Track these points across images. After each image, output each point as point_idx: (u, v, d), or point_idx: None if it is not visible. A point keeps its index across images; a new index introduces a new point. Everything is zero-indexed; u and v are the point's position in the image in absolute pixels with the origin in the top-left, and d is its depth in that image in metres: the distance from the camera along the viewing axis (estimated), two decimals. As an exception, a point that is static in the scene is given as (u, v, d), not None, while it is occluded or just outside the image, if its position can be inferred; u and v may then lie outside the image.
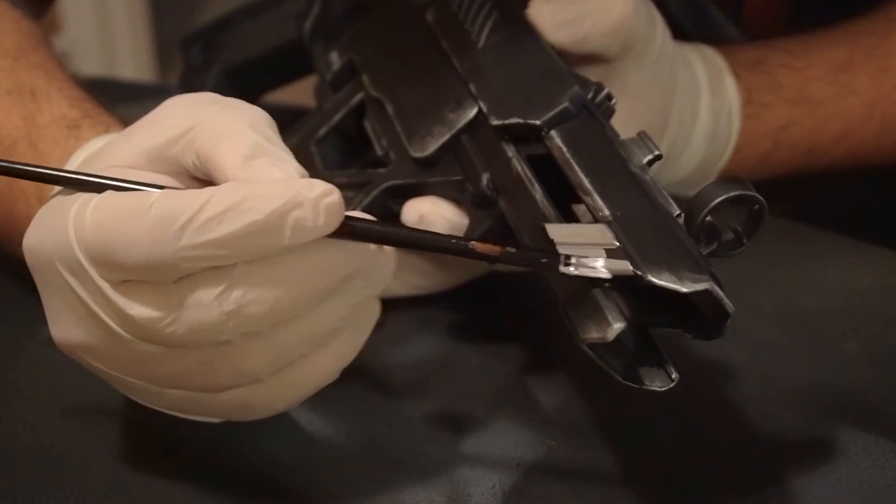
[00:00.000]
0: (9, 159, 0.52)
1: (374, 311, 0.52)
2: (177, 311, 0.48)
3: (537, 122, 0.58)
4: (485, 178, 0.60)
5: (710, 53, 0.76)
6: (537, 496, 0.56)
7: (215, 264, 0.48)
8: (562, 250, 0.50)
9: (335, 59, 0.73)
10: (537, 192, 0.56)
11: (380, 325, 0.53)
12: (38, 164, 0.52)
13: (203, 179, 0.51)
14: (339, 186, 0.65)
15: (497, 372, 0.64)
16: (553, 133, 0.58)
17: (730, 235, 0.53)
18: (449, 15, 0.67)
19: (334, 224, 0.48)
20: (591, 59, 0.68)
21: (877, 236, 0.76)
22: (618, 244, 0.51)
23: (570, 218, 0.57)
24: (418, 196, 0.64)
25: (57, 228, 0.50)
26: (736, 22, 0.86)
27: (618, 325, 0.49)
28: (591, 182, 0.55)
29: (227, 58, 0.85)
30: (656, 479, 0.57)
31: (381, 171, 0.66)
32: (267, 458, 0.58)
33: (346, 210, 0.49)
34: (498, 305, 0.69)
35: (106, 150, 0.54)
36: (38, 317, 0.53)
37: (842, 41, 0.79)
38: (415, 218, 0.63)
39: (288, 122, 0.71)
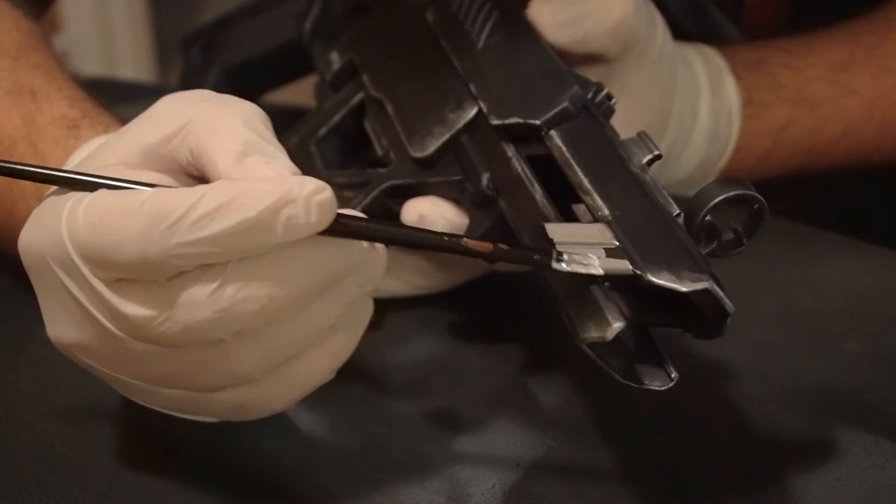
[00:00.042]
0: (5, 159, 0.52)
1: (368, 310, 0.53)
2: (170, 309, 0.48)
3: (537, 122, 0.58)
4: (485, 178, 0.60)
5: (710, 53, 0.76)
6: (537, 496, 0.56)
7: (208, 262, 0.48)
8: (561, 249, 0.50)
9: (335, 59, 0.72)
10: (537, 191, 0.56)
11: (378, 326, 0.53)
12: (38, 164, 0.52)
13: (198, 177, 0.51)
14: (339, 186, 0.66)
15: (497, 372, 0.64)
16: (553, 133, 0.58)
17: (730, 235, 0.53)
18: (449, 15, 0.67)
19: (326, 221, 0.48)
20: (592, 59, 0.68)
21: (877, 236, 0.76)
22: (617, 244, 0.51)
23: (570, 218, 0.57)
24: (418, 196, 0.64)
25: (51, 227, 0.50)
26: (736, 22, 0.86)
27: (617, 325, 0.49)
28: (591, 182, 0.55)
29: (227, 58, 0.85)
30: (656, 479, 0.57)
31: (381, 171, 0.66)
32: (267, 458, 0.58)
33: (342, 208, 0.49)
34: (498, 305, 0.69)
35: (102, 149, 0.54)
36: (38, 317, 0.53)
37: (842, 41, 0.79)
38: (415, 218, 0.63)
39: (288, 122, 0.71)
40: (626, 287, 0.50)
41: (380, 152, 0.67)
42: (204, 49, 0.87)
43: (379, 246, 0.51)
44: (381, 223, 0.51)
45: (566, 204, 0.58)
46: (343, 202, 0.50)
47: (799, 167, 0.80)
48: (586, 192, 0.54)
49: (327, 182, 0.48)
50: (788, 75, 0.78)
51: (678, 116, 0.73)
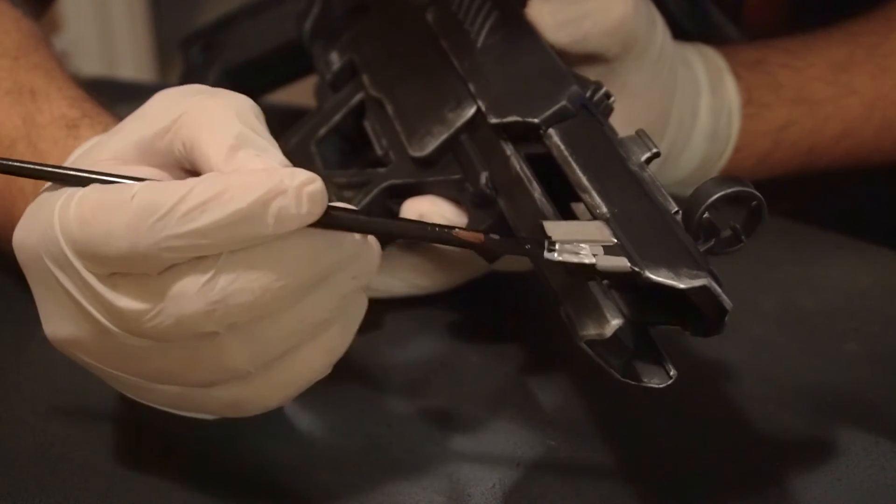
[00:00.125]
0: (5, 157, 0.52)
1: (362, 305, 0.52)
2: (162, 301, 0.48)
3: (536, 121, 0.58)
4: (484, 177, 0.60)
5: (710, 53, 0.76)
6: (537, 496, 0.56)
7: (199, 254, 0.48)
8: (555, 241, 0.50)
9: (335, 60, 0.73)
10: (536, 190, 0.56)
11: (378, 326, 0.53)
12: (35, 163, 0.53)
13: (192, 170, 0.51)
14: (339, 186, 0.66)
15: (497, 372, 0.64)
16: (551, 131, 0.58)
17: (728, 233, 0.53)
18: (449, 15, 0.67)
19: (317, 212, 0.48)
20: (591, 58, 0.68)
21: (877, 236, 0.76)
22: (615, 241, 0.51)
23: (570, 217, 0.57)
24: (417, 195, 0.64)
25: (43, 223, 0.50)
26: (736, 22, 0.86)
27: (615, 322, 0.49)
28: (590, 180, 0.55)
29: (227, 58, 0.85)
30: (656, 479, 0.57)
31: (381, 170, 0.66)
32: (267, 458, 0.58)
33: (334, 202, 0.49)
34: (498, 305, 0.69)
35: (96, 145, 0.54)
36: (37, 316, 0.53)
37: (842, 41, 0.79)
38: (414, 217, 0.63)
39: (288, 122, 0.71)
40: (624, 285, 0.50)
41: (379, 152, 0.67)
42: (204, 49, 0.87)
43: (372, 239, 0.51)
44: (368, 214, 0.51)
45: (565, 203, 0.58)
46: (343, 202, 0.50)
47: (799, 167, 0.80)
48: (585, 191, 0.54)
49: (326, 181, 0.48)
50: (788, 75, 0.78)
51: (678, 116, 0.73)
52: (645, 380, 0.50)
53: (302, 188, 0.47)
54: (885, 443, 0.59)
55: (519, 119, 0.59)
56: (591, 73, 0.66)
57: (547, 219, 0.54)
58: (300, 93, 0.85)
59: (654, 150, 0.56)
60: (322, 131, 0.71)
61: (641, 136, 0.57)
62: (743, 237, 0.53)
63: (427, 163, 0.63)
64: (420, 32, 0.68)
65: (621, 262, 0.49)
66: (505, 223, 0.59)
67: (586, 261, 0.49)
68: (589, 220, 0.53)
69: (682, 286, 0.49)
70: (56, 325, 0.52)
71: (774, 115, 0.77)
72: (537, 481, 0.57)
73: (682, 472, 0.58)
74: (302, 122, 0.72)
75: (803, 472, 0.57)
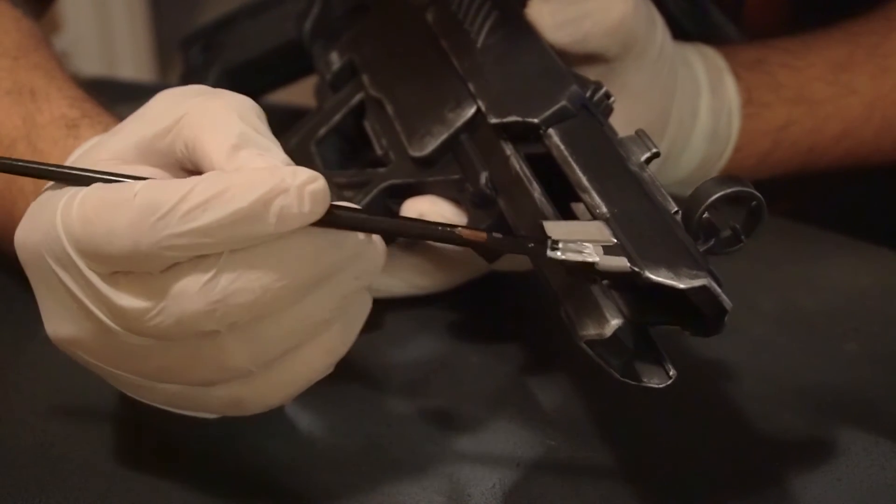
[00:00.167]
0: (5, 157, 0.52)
1: (365, 305, 0.52)
2: (164, 300, 0.48)
3: (535, 121, 0.58)
4: (483, 176, 0.60)
5: (710, 53, 0.76)
6: (537, 496, 0.56)
7: (201, 253, 0.48)
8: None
9: (335, 60, 0.73)
10: (536, 190, 0.56)
11: (378, 326, 0.53)
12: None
13: (194, 171, 0.51)
14: (339, 186, 0.66)
15: (497, 372, 0.64)
16: (551, 131, 0.58)
17: (728, 232, 0.53)
18: (448, 15, 0.67)
19: (320, 211, 0.48)
20: (591, 58, 0.68)
21: (877, 236, 0.76)
22: (615, 241, 0.51)
23: (570, 217, 0.57)
24: (417, 195, 0.64)
25: (46, 222, 0.50)
26: (736, 22, 0.86)
27: (615, 322, 0.49)
28: (589, 180, 0.55)
29: (227, 58, 0.85)
30: (656, 479, 0.57)
31: (381, 170, 0.66)
32: (267, 458, 0.58)
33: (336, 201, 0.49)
34: (498, 305, 0.69)
35: (97, 145, 0.54)
36: (38, 316, 0.53)
37: (842, 41, 0.79)
38: (413, 217, 0.63)
39: (288, 122, 0.71)
40: (624, 285, 0.50)
41: (379, 152, 0.67)
42: (204, 49, 0.87)
43: (376, 239, 0.51)
44: (375, 214, 0.51)
45: (565, 202, 0.58)
46: (343, 202, 0.50)
47: (799, 167, 0.80)
48: (585, 191, 0.54)
49: (326, 181, 0.48)
50: (788, 75, 0.78)
51: (678, 116, 0.73)
52: (644, 380, 0.50)
53: (304, 187, 0.47)
54: (885, 443, 0.59)
55: (519, 119, 0.59)
56: (590, 73, 0.66)
57: (547, 219, 0.54)
58: (300, 93, 0.85)
59: (654, 150, 0.56)
60: (322, 131, 0.71)
61: (641, 136, 0.57)
62: (743, 237, 0.53)
63: (427, 163, 0.63)
64: (420, 32, 0.68)
65: (621, 262, 0.49)
66: (505, 223, 0.59)
67: (589, 259, 0.49)
68: (589, 220, 0.53)
69: (681, 286, 0.49)
70: (57, 324, 0.52)
71: (774, 115, 0.77)
72: (537, 481, 0.57)
73: (682, 472, 0.58)
74: (302, 122, 0.72)
75: (803, 472, 0.57)
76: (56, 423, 0.60)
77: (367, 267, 0.51)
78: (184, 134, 0.51)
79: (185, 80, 0.87)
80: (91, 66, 1.91)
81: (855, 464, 0.58)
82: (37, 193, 0.60)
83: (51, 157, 0.61)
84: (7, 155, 0.62)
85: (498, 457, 0.58)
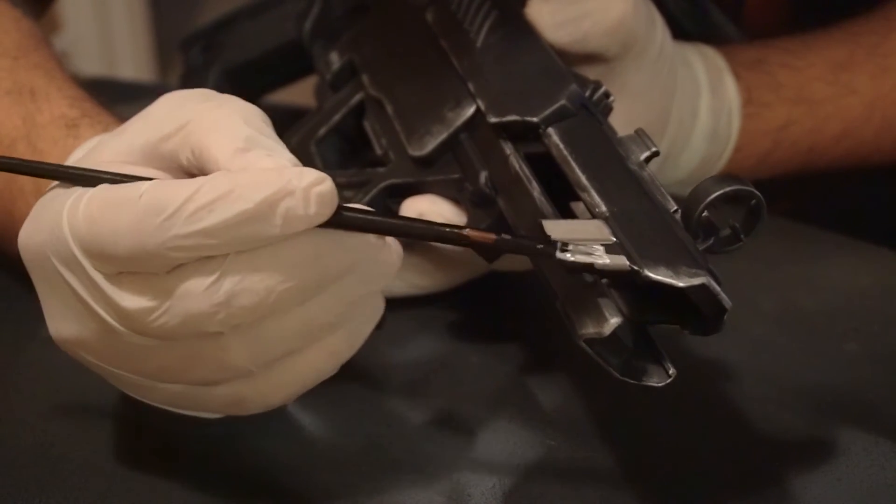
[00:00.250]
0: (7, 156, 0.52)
1: (376, 309, 0.52)
2: (168, 301, 0.48)
3: (535, 120, 0.58)
4: (483, 176, 0.60)
5: (710, 53, 0.76)
6: (537, 496, 0.56)
7: (206, 254, 0.48)
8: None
9: (335, 60, 0.73)
10: (535, 189, 0.56)
11: (378, 326, 0.53)
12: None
13: (198, 176, 0.51)
14: (339, 186, 0.65)
15: (497, 372, 0.64)
16: (551, 130, 0.58)
17: (727, 231, 0.53)
18: (448, 15, 0.67)
19: (326, 213, 0.48)
20: (591, 58, 0.68)
21: (877, 236, 0.76)
22: (615, 240, 0.51)
23: (569, 216, 0.57)
24: (417, 195, 0.64)
25: (51, 222, 0.50)
26: (736, 22, 0.86)
27: (614, 320, 0.49)
28: (589, 179, 0.55)
29: (227, 58, 0.85)
30: (656, 479, 0.57)
31: (381, 170, 0.66)
32: (267, 458, 0.58)
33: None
34: (498, 305, 0.69)
35: (99, 146, 0.54)
36: (38, 316, 0.53)
37: (842, 41, 0.79)
38: (413, 216, 0.63)
39: (288, 122, 0.71)
40: (623, 283, 0.50)
41: (379, 152, 0.67)
42: (204, 50, 0.87)
43: (391, 242, 0.51)
44: (382, 215, 0.51)
45: (565, 202, 0.58)
46: (343, 202, 0.50)
47: (799, 167, 0.80)
48: (584, 189, 0.54)
49: None
50: (788, 75, 0.78)
51: (678, 116, 0.73)
52: (644, 379, 0.50)
53: (310, 189, 0.47)
54: (885, 443, 0.59)
55: (518, 118, 0.59)
56: (590, 72, 0.66)
57: (546, 218, 0.54)
58: (300, 93, 0.85)
59: (654, 149, 0.56)
60: (322, 131, 0.71)
61: (640, 136, 0.57)
62: (742, 236, 0.53)
63: (426, 162, 0.63)
64: (420, 32, 0.68)
65: (620, 261, 0.49)
66: (504, 222, 0.59)
67: (599, 261, 0.49)
68: (588, 219, 0.53)
69: (680, 284, 0.49)
70: (61, 324, 0.52)
71: (774, 115, 0.77)
72: (537, 481, 0.57)
73: (682, 472, 0.58)
74: (302, 122, 0.72)
75: (803, 472, 0.57)
76: (56, 423, 0.60)
77: (379, 271, 0.51)
78: (190, 140, 0.51)
79: (185, 80, 0.87)
80: (91, 66, 1.91)
81: (855, 464, 0.58)
82: (36, 193, 0.61)
83: (51, 156, 0.61)
84: (7, 155, 0.62)
85: (498, 457, 0.58)
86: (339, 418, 0.60)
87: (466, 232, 0.50)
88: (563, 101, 0.58)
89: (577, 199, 0.55)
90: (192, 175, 0.52)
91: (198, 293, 0.48)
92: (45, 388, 0.62)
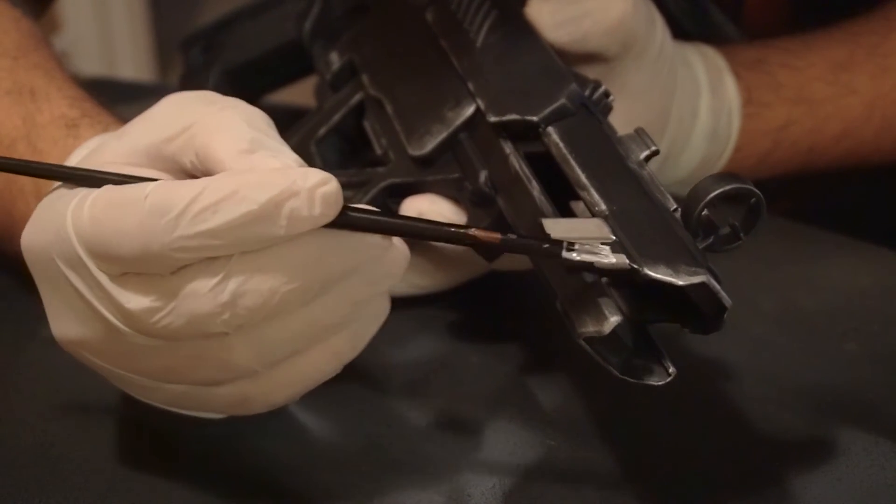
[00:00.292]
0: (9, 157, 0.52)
1: (381, 310, 0.52)
2: (173, 302, 0.48)
3: (534, 119, 0.58)
4: (483, 175, 0.60)
5: (710, 53, 0.77)
6: (537, 496, 0.56)
7: (211, 255, 0.48)
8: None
9: (335, 60, 0.73)
10: (535, 188, 0.56)
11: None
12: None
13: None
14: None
15: (497, 372, 0.64)
16: (550, 130, 0.58)
17: (727, 230, 0.53)
18: (448, 14, 0.67)
19: (331, 214, 0.48)
20: (591, 58, 0.68)
21: (877, 236, 0.76)
22: (614, 238, 0.51)
23: (569, 215, 0.57)
24: (417, 194, 0.64)
25: (55, 223, 0.50)
26: (736, 22, 0.86)
27: (614, 319, 0.49)
28: (588, 177, 0.55)
29: (227, 58, 0.85)
30: (656, 479, 0.57)
31: (380, 169, 0.66)
32: (267, 458, 0.58)
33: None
34: (498, 305, 0.69)
35: (102, 147, 0.54)
36: (38, 316, 0.53)
37: (842, 41, 0.79)
38: (413, 215, 0.63)
39: (288, 122, 0.71)
40: (623, 282, 0.50)
41: (379, 152, 0.67)
42: (204, 50, 0.87)
43: (398, 243, 0.51)
44: (387, 215, 0.51)
45: (564, 201, 0.58)
46: (344, 202, 0.50)
47: (799, 167, 0.80)
48: (583, 188, 0.54)
49: None
50: (788, 75, 0.78)
51: (678, 116, 0.73)
52: (644, 377, 0.50)
53: (315, 189, 0.47)
54: (885, 443, 0.59)
55: (518, 117, 0.59)
56: (590, 72, 0.66)
57: (546, 217, 0.54)
58: (300, 93, 0.85)
59: (653, 148, 0.56)
60: (322, 131, 0.71)
61: (640, 135, 0.57)
62: (742, 234, 0.53)
63: (426, 162, 0.63)
64: (420, 32, 0.68)
65: (620, 260, 0.49)
66: (504, 221, 0.59)
67: (605, 260, 0.49)
68: (588, 217, 0.53)
69: (680, 283, 0.49)
70: (64, 325, 0.52)
71: (774, 115, 0.77)
72: (537, 481, 0.57)
73: (682, 472, 0.58)
74: (302, 122, 0.72)
75: (803, 472, 0.57)
76: (56, 423, 0.60)
77: (385, 271, 0.51)
78: (195, 143, 0.50)
79: (186, 80, 0.87)
80: (91, 66, 1.91)
81: (855, 464, 0.58)
82: (36, 193, 0.61)
83: (51, 156, 0.61)
84: (6, 155, 0.62)
85: (498, 457, 0.58)
86: (340, 418, 0.60)
87: (472, 231, 0.50)
88: (562, 101, 0.58)
89: (577, 198, 0.55)
90: (194, 177, 0.52)
91: (202, 294, 0.48)
92: (45, 388, 0.62)
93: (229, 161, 0.49)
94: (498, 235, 0.50)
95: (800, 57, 0.78)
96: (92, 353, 0.53)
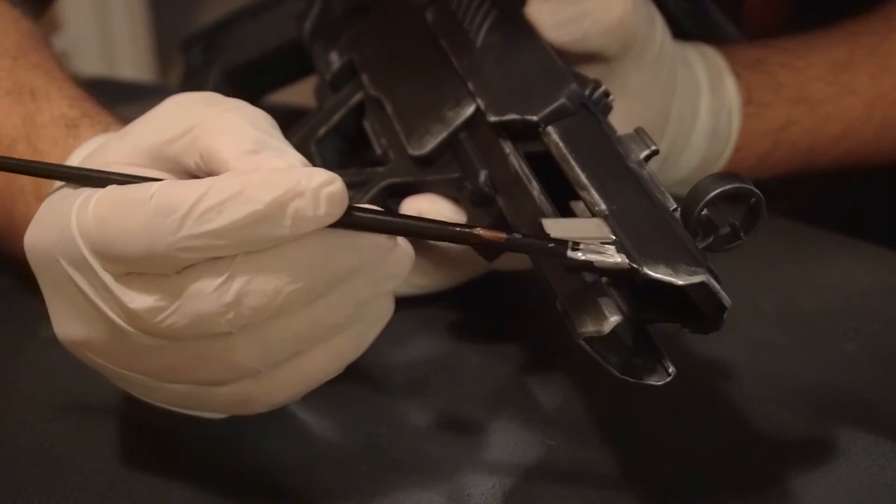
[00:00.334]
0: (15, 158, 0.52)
1: (384, 311, 0.52)
2: (178, 302, 0.48)
3: (534, 119, 0.58)
4: (483, 175, 0.60)
5: (710, 53, 0.77)
6: (537, 496, 0.56)
7: (216, 255, 0.48)
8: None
9: (335, 60, 0.73)
10: (535, 188, 0.56)
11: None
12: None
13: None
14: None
15: (497, 372, 0.64)
16: (550, 129, 0.58)
17: (727, 229, 0.53)
18: (448, 14, 0.67)
19: (336, 214, 0.48)
20: (591, 58, 0.68)
21: (877, 236, 0.76)
22: (614, 238, 0.51)
23: (569, 215, 0.57)
24: (416, 194, 0.64)
25: (59, 223, 0.50)
26: (736, 22, 0.86)
27: (614, 318, 0.49)
28: (588, 177, 0.55)
29: (227, 59, 0.85)
30: (656, 479, 0.57)
31: (380, 169, 0.66)
32: (267, 458, 0.58)
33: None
34: (498, 305, 0.69)
35: (104, 148, 0.54)
36: (38, 317, 0.53)
37: (842, 41, 0.79)
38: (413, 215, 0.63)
39: (288, 122, 0.70)
40: (623, 282, 0.50)
41: (378, 151, 0.67)
42: (204, 50, 0.87)
43: (402, 244, 0.51)
44: (392, 215, 0.51)
45: (564, 201, 0.58)
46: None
47: (799, 166, 0.80)
48: (583, 188, 0.54)
49: None
50: (788, 75, 0.78)
51: (678, 116, 0.73)
52: (644, 377, 0.50)
53: (320, 189, 0.47)
54: (885, 443, 0.59)
55: (517, 117, 0.59)
56: (590, 72, 0.66)
57: (545, 216, 0.54)
58: (300, 93, 0.85)
59: (653, 148, 0.56)
60: (322, 131, 0.71)
61: (640, 134, 0.57)
62: (742, 234, 0.53)
63: (426, 161, 0.63)
64: (420, 32, 0.68)
65: (620, 259, 0.49)
66: (504, 221, 0.59)
67: (610, 260, 0.49)
68: (588, 217, 0.53)
69: (680, 282, 0.49)
70: (67, 325, 0.52)
71: (774, 115, 0.77)
72: (537, 481, 0.57)
73: (682, 472, 0.58)
74: (302, 122, 0.72)
75: (803, 472, 0.57)
76: (56, 423, 0.60)
77: (389, 272, 0.51)
78: (198, 144, 0.50)
79: (186, 80, 0.87)
80: (91, 66, 1.91)
81: (855, 464, 0.58)
82: (36, 193, 0.61)
83: (51, 156, 0.61)
84: (6, 155, 0.62)
85: (498, 457, 0.58)
86: (340, 418, 0.60)
87: (478, 231, 0.50)
88: (562, 100, 0.58)
89: (577, 197, 0.55)
90: (198, 178, 0.52)
91: (207, 294, 0.48)
92: (45, 388, 0.62)
93: (234, 162, 0.49)
94: (503, 235, 0.50)
95: (800, 57, 0.78)
96: (95, 353, 0.53)
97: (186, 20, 1.98)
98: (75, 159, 0.59)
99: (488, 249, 0.60)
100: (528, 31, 0.65)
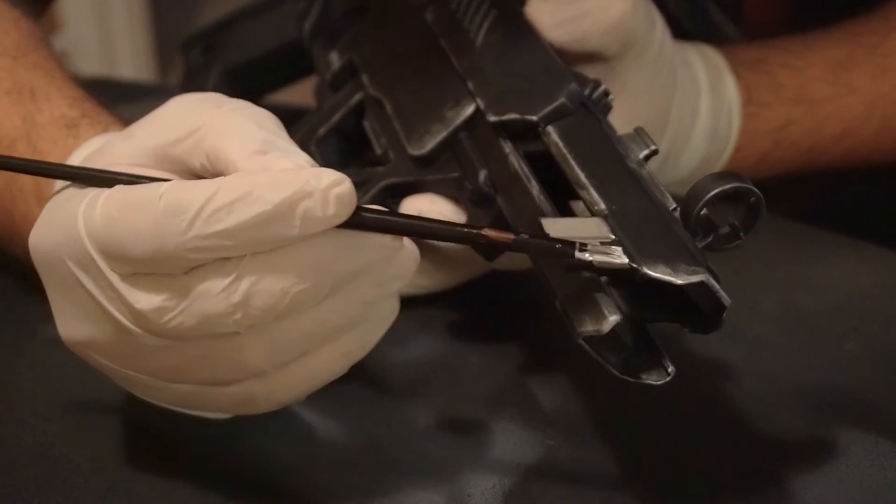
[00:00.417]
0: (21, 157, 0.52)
1: (390, 311, 0.52)
2: (185, 302, 0.48)
3: (534, 118, 0.58)
4: (482, 174, 0.60)
5: (710, 53, 0.77)
6: (537, 496, 0.56)
7: (224, 255, 0.48)
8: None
9: (335, 60, 0.73)
10: (534, 188, 0.56)
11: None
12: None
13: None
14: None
15: (497, 372, 0.64)
16: (550, 129, 0.58)
17: (726, 229, 0.53)
18: (448, 14, 0.67)
19: (345, 214, 0.48)
20: (591, 57, 0.68)
21: (877, 236, 0.76)
22: (613, 237, 0.51)
23: (568, 214, 0.57)
24: (416, 194, 0.64)
25: (65, 223, 0.50)
26: (736, 21, 0.86)
27: (613, 318, 0.49)
28: (588, 176, 0.55)
29: (227, 59, 0.85)
30: (656, 479, 0.57)
31: (380, 169, 0.66)
32: (267, 458, 0.58)
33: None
34: (498, 305, 0.69)
35: (108, 148, 0.54)
36: (38, 317, 0.53)
37: (842, 41, 0.79)
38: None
39: (288, 122, 0.70)
40: (622, 281, 0.50)
41: (378, 151, 0.67)
42: (204, 51, 0.87)
43: (408, 245, 0.51)
44: (399, 215, 0.51)
45: (564, 200, 0.58)
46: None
47: (799, 166, 0.80)
48: (583, 187, 0.54)
49: None
50: (788, 75, 0.78)
51: (678, 116, 0.73)
52: (643, 377, 0.50)
53: (329, 190, 0.47)
54: (885, 443, 0.59)
55: (517, 117, 0.59)
56: (590, 72, 0.66)
57: (545, 216, 0.54)
58: (300, 93, 0.85)
59: (653, 148, 0.56)
60: (322, 131, 0.71)
61: (640, 134, 0.57)
62: (741, 234, 0.53)
63: (426, 161, 0.63)
64: (419, 32, 0.68)
65: (620, 259, 0.49)
66: (504, 221, 0.59)
67: (617, 261, 0.49)
68: (587, 217, 0.53)
69: (679, 282, 0.49)
70: (72, 326, 0.52)
71: (774, 115, 0.77)
72: (537, 481, 0.57)
73: (682, 472, 0.58)
74: (302, 122, 0.72)
75: (803, 472, 0.57)
76: (56, 423, 0.60)
77: (395, 272, 0.51)
78: (204, 145, 0.50)
79: (186, 80, 0.87)
80: (91, 66, 1.91)
81: (855, 464, 0.58)
82: (36, 193, 0.61)
83: (51, 156, 0.61)
84: (6, 155, 0.62)
85: (498, 457, 0.58)
86: (340, 418, 0.60)
87: (485, 231, 0.50)
88: (562, 100, 0.58)
89: (577, 197, 0.55)
90: (204, 179, 0.52)
91: (214, 294, 0.48)
92: (45, 388, 0.62)
93: (241, 162, 0.49)
94: (511, 235, 0.50)
95: (800, 57, 0.78)
96: (99, 354, 0.53)
97: (186, 20, 1.98)
98: (75, 159, 0.59)
99: (489, 249, 0.60)
100: (527, 31, 0.65)
